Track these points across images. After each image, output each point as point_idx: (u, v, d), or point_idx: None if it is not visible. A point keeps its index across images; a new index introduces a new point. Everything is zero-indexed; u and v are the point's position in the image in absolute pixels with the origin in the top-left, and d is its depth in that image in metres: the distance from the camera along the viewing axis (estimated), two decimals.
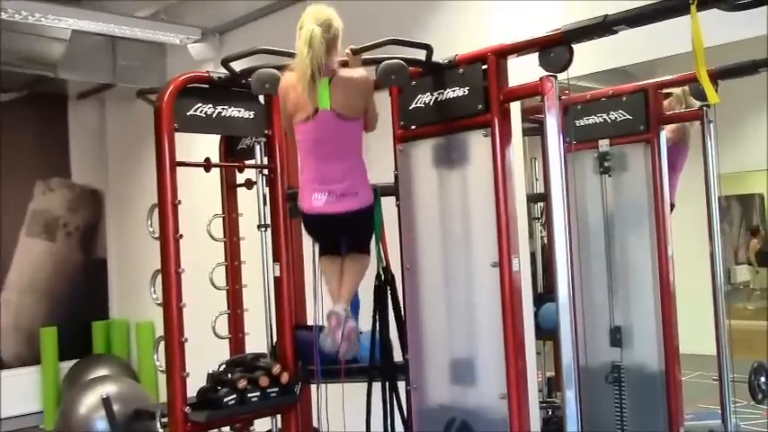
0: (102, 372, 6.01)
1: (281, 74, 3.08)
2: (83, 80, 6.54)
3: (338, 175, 2.92)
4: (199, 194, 3.95)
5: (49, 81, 6.21)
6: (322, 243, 3.18)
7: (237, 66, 3.23)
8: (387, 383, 3.37)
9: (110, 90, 6.85)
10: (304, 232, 3.23)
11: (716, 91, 2.98)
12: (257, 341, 3.66)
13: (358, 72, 2.94)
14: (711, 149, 3.54)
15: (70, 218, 7.25)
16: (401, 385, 3.35)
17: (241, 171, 3.73)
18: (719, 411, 3.65)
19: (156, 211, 3.14)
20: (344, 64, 2.97)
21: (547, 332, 3.89)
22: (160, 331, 3.16)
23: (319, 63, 2.76)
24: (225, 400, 3.13)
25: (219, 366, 3.35)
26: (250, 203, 3.68)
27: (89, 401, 4.63)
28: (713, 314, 3.62)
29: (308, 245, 3.23)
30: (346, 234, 3.09)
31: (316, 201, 2.93)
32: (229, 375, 3.24)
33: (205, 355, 3.31)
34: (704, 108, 3.53)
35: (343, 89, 2.88)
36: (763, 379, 4.49)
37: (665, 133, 3.80)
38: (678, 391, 3.71)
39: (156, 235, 3.14)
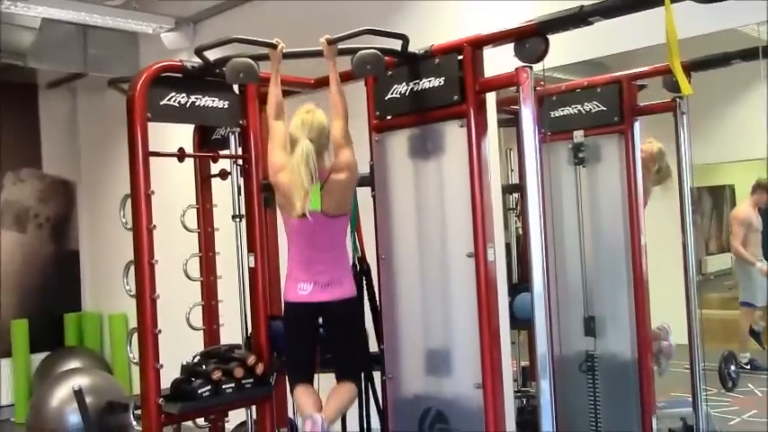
0: (74, 364, 5.93)
1: (256, 64, 3.07)
2: (53, 69, 6.44)
3: (324, 266, 3.06)
4: (172, 185, 3.91)
5: (19, 70, 6.09)
6: (299, 352, 3.17)
7: (211, 55, 3.20)
8: (362, 374, 3.37)
9: (81, 80, 6.75)
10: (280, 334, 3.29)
11: (689, 83, 3.01)
12: (232, 332, 3.64)
13: (347, 167, 3.03)
14: (684, 141, 3.58)
15: (41, 209, 7.14)
16: (376, 376, 3.36)
17: (215, 161, 3.70)
18: (691, 399, 3.69)
19: (129, 201, 3.10)
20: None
21: (522, 322, 3.90)
22: (133, 323, 3.13)
23: (312, 177, 2.92)
24: (199, 391, 3.11)
25: (194, 358, 3.33)
26: (224, 194, 3.65)
27: (61, 394, 4.57)
28: (685, 304, 3.66)
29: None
30: (329, 330, 3.12)
31: (301, 291, 3.06)
32: (204, 367, 3.22)
33: (179, 346, 3.28)
34: (677, 100, 3.56)
35: (334, 192, 3.02)
36: (732, 367, 4.56)
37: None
38: (650, 380, 3.75)
39: (129, 226, 3.11)
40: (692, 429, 3.69)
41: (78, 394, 3.72)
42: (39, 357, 6.53)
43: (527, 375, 4.63)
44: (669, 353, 3.79)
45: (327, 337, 3.13)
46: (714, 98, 4.26)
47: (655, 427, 3.69)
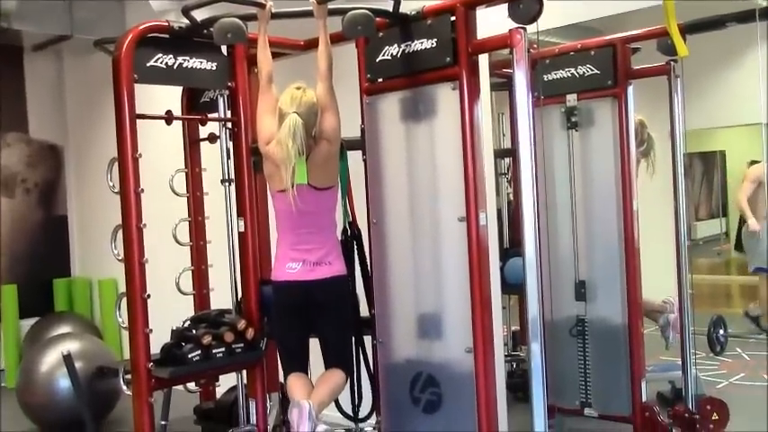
0: (64, 329, 5.89)
1: (244, 24, 3.01)
2: (38, 32, 6.32)
3: (313, 245, 3.03)
4: (161, 150, 3.87)
5: (3, 32, 5.98)
6: (291, 341, 3.15)
7: (199, 15, 3.13)
8: (353, 338, 3.37)
9: (67, 42, 6.64)
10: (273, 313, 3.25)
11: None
12: (222, 297, 3.62)
13: (327, 137, 3.00)
14: (678, 105, 3.54)
15: (29, 174, 7.06)
16: (367, 340, 3.36)
17: (204, 124, 3.65)
18: (680, 363, 3.72)
19: (116, 165, 3.06)
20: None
21: (512, 286, 3.92)
22: (123, 288, 3.11)
23: (300, 152, 2.88)
24: (189, 356, 3.10)
25: (184, 323, 3.31)
26: (214, 158, 3.61)
27: (51, 359, 4.55)
28: (675, 268, 3.66)
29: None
30: (318, 314, 3.08)
31: (289, 270, 3.04)
32: (194, 331, 3.20)
33: (169, 312, 3.27)
34: (671, 63, 3.52)
35: (320, 164, 2.98)
36: (721, 332, 4.59)
37: None
38: (640, 344, 3.78)
39: (117, 190, 3.07)
40: (680, 392, 3.72)
41: (67, 359, 3.71)
42: (28, 323, 6.51)
43: (517, 340, 4.66)
44: (676, 325, 3.83)
45: (317, 319, 3.10)
46: (707, 63, 4.22)
47: (644, 390, 3.73)
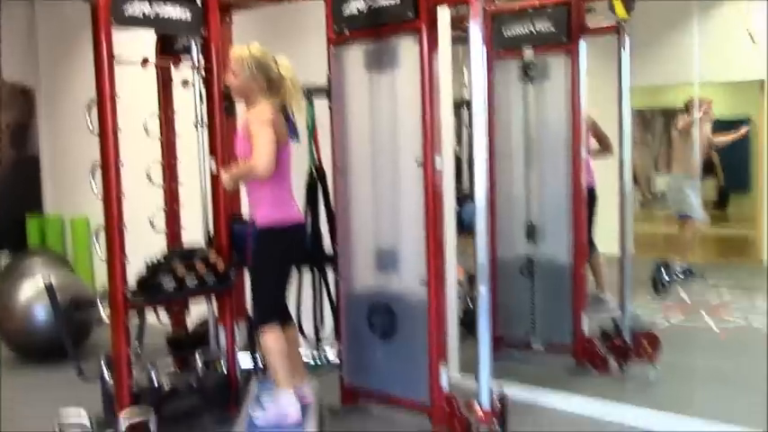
0: (38, 264, 5.98)
1: None
2: None
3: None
4: (136, 94, 3.93)
5: None
6: (281, 287, 3.19)
7: None
8: (317, 271, 3.56)
9: None
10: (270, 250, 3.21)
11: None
12: (193, 237, 3.75)
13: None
14: (624, 62, 3.73)
15: (0, 115, 7.09)
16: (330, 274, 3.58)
17: (177, 66, 3.73)
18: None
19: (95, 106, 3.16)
20: None
21: (468, 228, 4.11)
22: (95, 226, 3.24)
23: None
24: (163, 285, 3.24)
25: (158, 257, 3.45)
26: (189, 102, 3.70)
27: (27, 290, 4.70)
28: (618, 213, 3.89)
29: None
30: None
31: (295, 210, 3.15)
32: (168, 262, 3.35)
33: (143, 251, 3.35)
34: (621, 22, 3.69)
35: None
36: (665, 276, 4.90)
37: None
38: (583, 282, 4.03)
39: (96, 131, 3.17)
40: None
41: (49, 289, 3.85)
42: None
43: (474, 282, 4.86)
44: None
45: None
46: (665, 23, 4.40)
47: (585, 322, 3.97)
